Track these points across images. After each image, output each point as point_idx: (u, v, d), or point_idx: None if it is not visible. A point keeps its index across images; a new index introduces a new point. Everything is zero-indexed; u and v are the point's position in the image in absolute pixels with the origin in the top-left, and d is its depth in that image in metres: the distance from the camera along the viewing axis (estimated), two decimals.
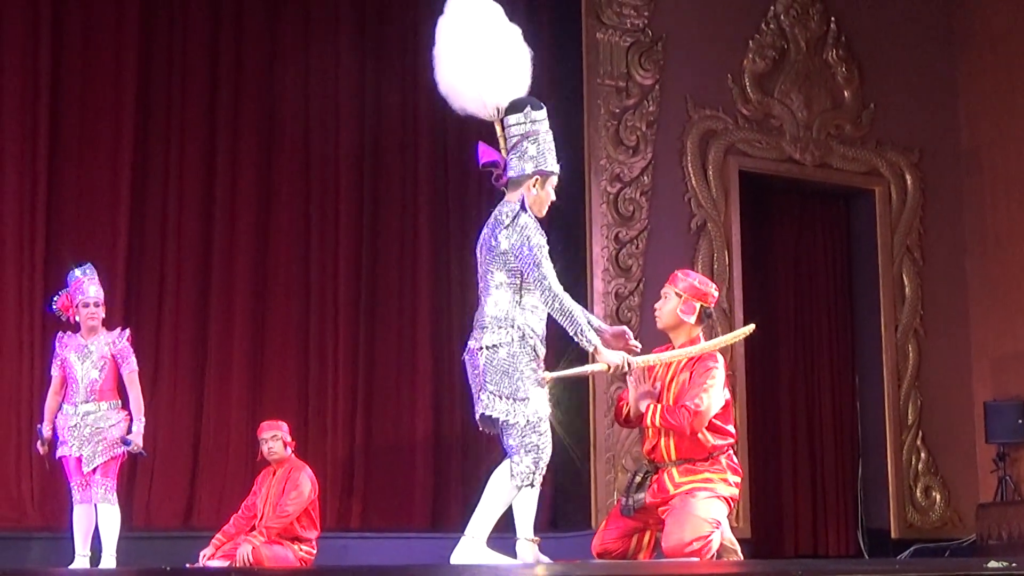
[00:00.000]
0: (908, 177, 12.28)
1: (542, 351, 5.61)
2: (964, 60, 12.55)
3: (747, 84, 11.64)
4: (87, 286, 7.91)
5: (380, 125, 10.91)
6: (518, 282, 5.58)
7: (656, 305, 6.26)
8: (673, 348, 6.20)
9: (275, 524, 8.33)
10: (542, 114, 5.73)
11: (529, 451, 5.48)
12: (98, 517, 7.74)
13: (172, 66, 10.35)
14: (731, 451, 6.16)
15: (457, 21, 5.82)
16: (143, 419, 7.87)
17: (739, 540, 6.32)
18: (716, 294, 6.30)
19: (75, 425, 7.76)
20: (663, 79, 11.23)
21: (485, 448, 9.86)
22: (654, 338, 6.52)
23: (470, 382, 5.68)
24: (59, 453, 7.83)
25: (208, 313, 10.27)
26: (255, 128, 10.55)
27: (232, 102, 10.50)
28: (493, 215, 5.71)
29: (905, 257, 12.17)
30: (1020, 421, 11.66)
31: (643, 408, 6.04)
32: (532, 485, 5.50)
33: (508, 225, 5.58)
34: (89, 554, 7.77)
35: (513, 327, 5.53)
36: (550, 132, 5.74)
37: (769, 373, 11.82)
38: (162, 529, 9.63)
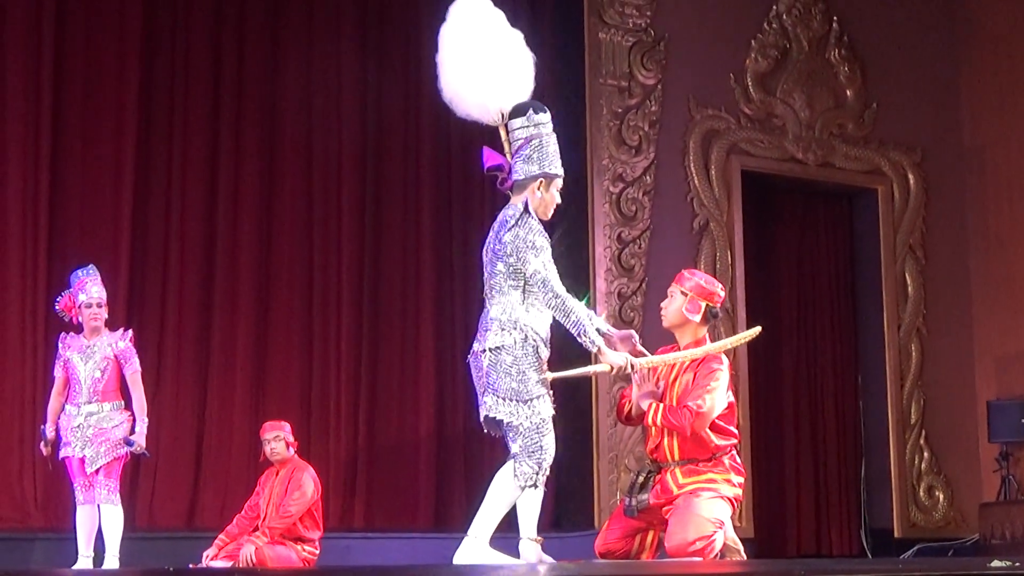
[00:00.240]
0: (911, 176, 12.28)
1: (545, 353, 5.62)
2: (966, 59, 12.55)
3: (749, 84, 11.64)
4: (90, 287, 7.92)
5: (382, 126, 10.91)
6: (522, 284, 5.59)
7: (662, 304, 6.26)
8: (678, 348, 6.20)
9: (278, 524, 8.33)
10: (546, 117, 5.74)
11: (532, 453, 5.49)
12: (101, 518, 7.75)
13: (175, 66, 10.35)
14: (734, 451, 6.15)
15: (459, 27, 5.83)
16: (146, 420, 7.88)
17: (742, 540, 6.31)
18: (722, 294, 6.30)
19: (78, 426, 7.77)
20: (665, 79, 11.23)
21: (488, 448, 9.86)
22: (657, 338, 6.52)
23: (474, 384, 5.69)
24: (62, 454, 7.84)
25: (211, 313, 10.27)
26: (258, 128, 10.55)
27: (235, 102, 10.49)
28: (498, 218, 5.73)
29: (908, 256, 12.17)
30: (1023, 420, 11.65)
31: (645, 407, 6.03)
32: (535, 486, 5.51)
33: (512, 227, 5.59)
34: (92, 555, 7.77)
35: (516, 329, 5.54)
36: (554, 135, 5.75)
37: (772, 372, 11.82)
38: (165, 530, 9.63)
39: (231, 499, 9.58)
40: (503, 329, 5.55)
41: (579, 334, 5.56)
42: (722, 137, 11.45)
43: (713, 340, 6.34)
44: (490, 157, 5.75)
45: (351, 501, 10.44)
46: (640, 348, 5.83)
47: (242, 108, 10.52)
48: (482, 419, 5.63)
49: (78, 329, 7.97)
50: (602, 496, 10.51)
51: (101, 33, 10.12)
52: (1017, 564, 4.84)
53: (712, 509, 5.90)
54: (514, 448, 5.53)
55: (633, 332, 5.89)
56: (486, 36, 5.79)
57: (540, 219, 5.66)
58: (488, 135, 5.92)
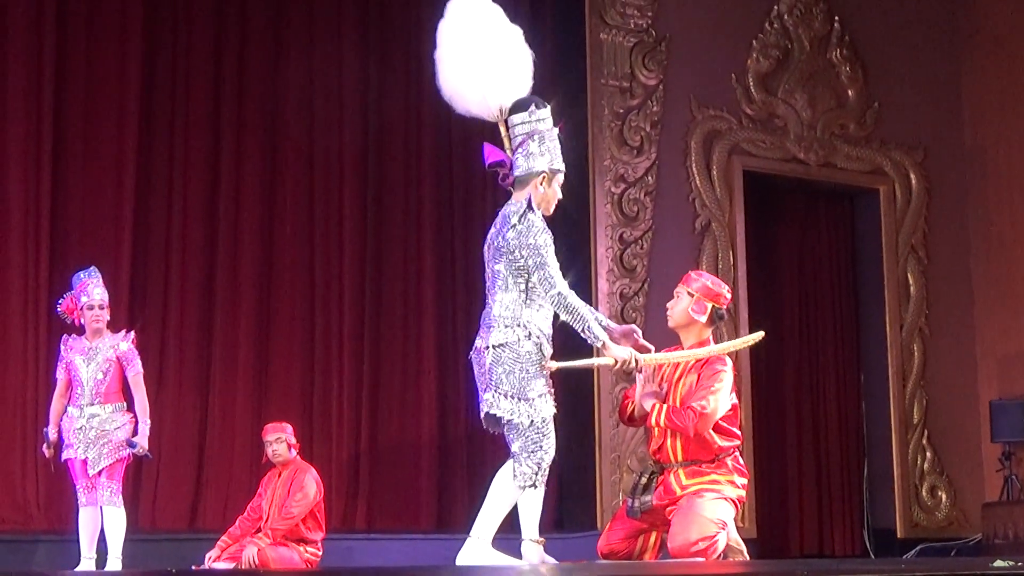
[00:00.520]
0: (913, 176, 12.27)
1: (548, 350, 5.61)
2: (968, 58, 12.54)
3: (751, 84, 11.64)
4: (91, 288, 7.91)
5: (383, 125, 10.91)
6: (524, 281, 5.58)
7: (668, 304, 6.25)
8: (683, 349, 6.20)
9: (280, 526, 8.33)
10: (546, 112, 5.73)
11: (532, 452, 5.49)
12: (104, 519, 7.74)
13: (176, 67, 10.35)
14: (737, 453, 6.15)
15: (458, 24, 5.83)
16: (148, 421, 7.88)
17: (745, 540, 6.31)
18: (728, 295, 6.29)
19: (80, 428, 7.76)
20: (667, 79, 11.23)
21: (491, 449, 9.85)
22: (659, 338, 6.51)
23: (476, 381, 5.68)
24: (64, 456, 7.84)
25: (213, 315, 10.27)
26: (259, 128, 10.55)
27: (236, 102, 10.50)
28: (500, 214, 5.72)
29: (910, 256, 12.16)
30: None
31: (648, 408, 6.03)
32: (535, 486, 5.50)
33: (515, 224, 5.58)
34: (95, 556, 7.77)
35: (519, 326, 5.54)
36: (555, 130, 5.75)
37: (774, 373, 11.81)
38: (167, 531, 9.63)
39: (233, 501, 9.58)
40: (506, 326, 5.54)
41: (583, 329, 5.56)
42: (724, 137, 11.45)
43: (717, 342, 6.33)
44: (491, 153, 5.74)
45: (353, 502, 10.44)
46: (643, 342, 5.82)
47: (243, 108, 10.52)
48: (482, 416, 5.62)
49: (80, 331, 7.97)
50: (604, 497, 10.50)
51: (102, 33, 10.12)
52: (1020, 564, 4.84)
53: (715, 510, 5.90)
54: (514, 447, 5.52)
55: (635, 327, 5.89)
56: (485, 32, 5.78)
57: (542, 215, 5.66)
58: (488, 132, 5.92)
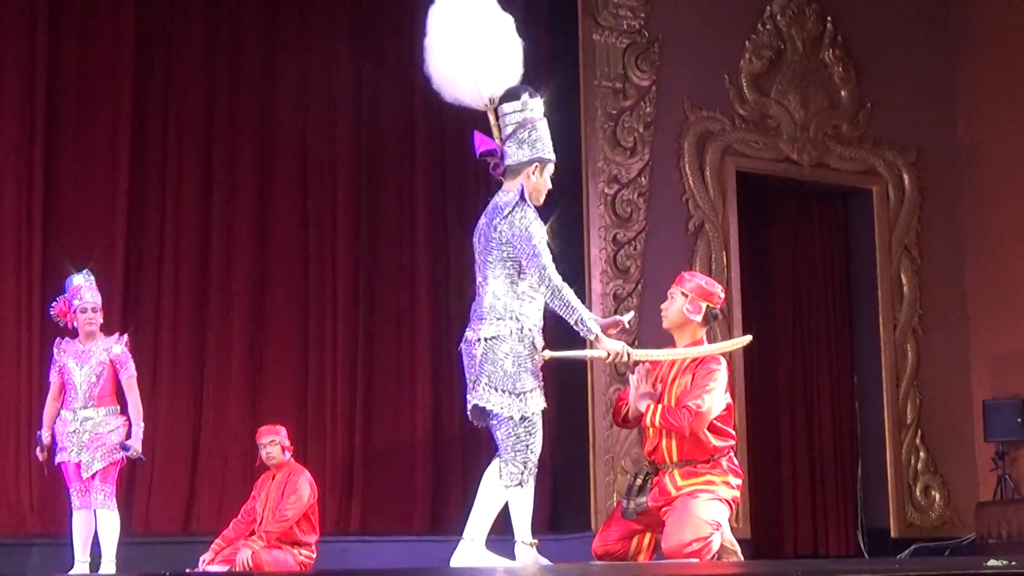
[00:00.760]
0: (906, 176, 12.29)
1: (540, 342, 5.58)
2: (961, 58, 12.56)
3: (744, 85, 11.65)
4: (85, 291, 7.90)
5: (377, 122, 10.90)
6: (516, 272, 5.54)
7: (662, 306, 6.25)
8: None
9: (274, 528, 8.33)
10: (538, 102, 5.71)
11: (519, 451, 5.46)
12: (97, 523, 7.73)
13: (169, 70, 10.34)
14: (732, 453, 6.15)
15: (449, 10, 5.75)
16: (142, 424, 7.86)
17: (739, 541, 6.31)
18: (722, 295, 6.30)
19: (74, 431, 7.75)
20: (660, 80, 11.24)
21: (485, 449, 9.76)
22: (654, 340, 6.54)
23: (465, 372, 5.63)
24: (58, 459, 7.81)
25: (206, 317, 10.26)
26: (252, 129, 10.53)
27: (230, 104, 10.49)
28: (491, 204, 5.67)
29: (903, 256, 12.18)
30: (1019, 419, 11.66)
31: (643, 408, 6.03)
32: (521, 485, 5.48)
33: (507, 214, 5.54)
34: (89, 560, 7.75)
35: (512, 319, 5.51)
36: (545, 120, 5.73)
37: (768, 373, 11.82)
38: (161, 534, 9.62)
39: (227, 503, 9.56)
40: (498, 318, 5.50)
41: (576, 322, 5.53)
42: (717, 138, 11.45)
43: (711, 343, 6.34)
44: (482, 142, 5.69)
45: (347, 504, 10.43)
46: (626, 324, 5.79)
47: (237, 110, 10.52)
48: (470, 408, 5.58)
49: (73, 334, 7.95)
50: (598, 498, 10.50)
51: (95, 34, 10.11)
52: (1013, 563, 4.84)
53: (709, 511, 5.89)
54: (500, 443, 5.49)
55: (618, 317, 5.87)
56: (476, 19, 5.71)
57: (533, 204, 5.62)
58: (482, 125, 5.88)
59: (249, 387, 10.29)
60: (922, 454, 12.01)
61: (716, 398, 5.99)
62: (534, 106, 5.68)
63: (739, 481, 6.11)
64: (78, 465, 7.71)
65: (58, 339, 8.01)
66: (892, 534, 11.77)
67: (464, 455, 10.66)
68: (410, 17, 10.44)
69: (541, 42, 10.88)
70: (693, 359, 6.07)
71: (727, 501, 6.01)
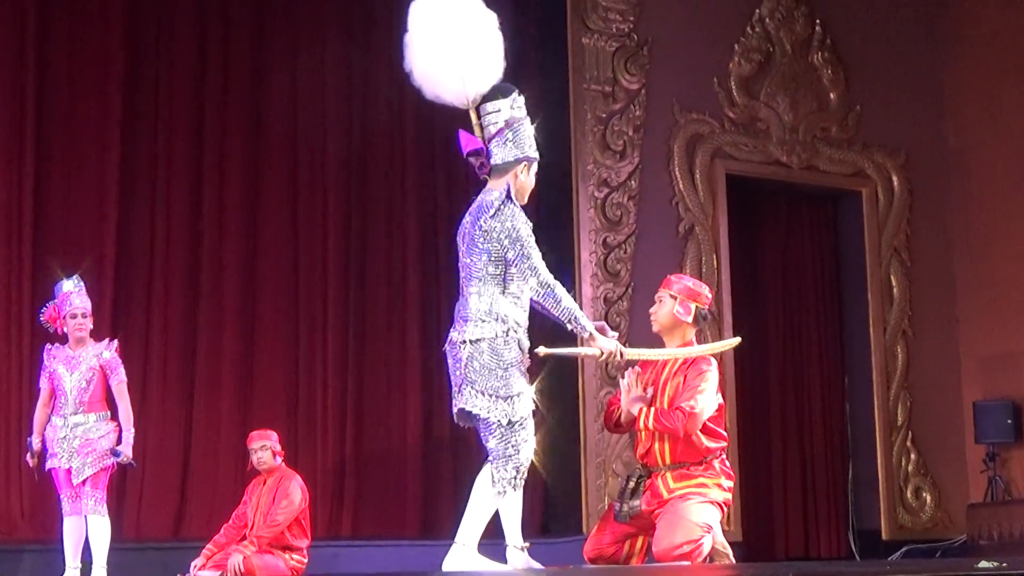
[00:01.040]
0: (895, 178, 12.31)
1: (526, 344, 5.52)
2: (949, 61, 12.58)
3: (733, 87, 11.66)
4: (74, 297, 7.88)
5: (367, 127, 10.90)
6: (503, 273, 5.48)
7: (651, 310, 6.25)
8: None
9: (266, 533, 8.31)
10: (522, 101, 5.66)
11: (510, 456, 5.42)
12: (88, 529, 7.72)
13: (158, 77, 10.33)
14: (724, 455, 6.16)
15: (431, 6, 5.65)
16: (132, 430, 7.85)
17: (730, 543, 6.31)
18: (710, 296, 6.31)
19: (64, 437, 7.74)
20: (649, 83, 11.25)
21: (476, 453, 9.78)
22: (643, 343, 6.52)
23: (450, 374, 5.57)
24: (48, 465, 7.80)
25: (196, 322, 10.25)
26: (242, 135, 10.53)
27: (219, 110, 10.49)
28: (477, 203, 5.60)
29: (893, 258, 12.20)
30: (1009, 421, 11.68)
31: (635, 412, 6.03)
32: (515, 490, 5.45)
33: (495, 213, 5.48)
34: (80, 566, 7.74)
35: (499, 321, 5.45)
36: (528, 118, 5.69)
37: (758, 376, 11.83)
38: (152, 540, 9.60)
39: (218, 509, 9.54)
40: (485, 320, 5.44)
41: (569, 321, 5.51)
42: (706, 141, 11.46)
43: (701, 344, 6.35)
44: (469, 141, 5.60)
45: (339, 509, 10.42)
46: (612, 333, 5.78)
47: (227, 115, 10.51)
48: (455, 411, 5.54)
49: (63, 340, 7.94)
50: (590, 501, 10.50)
51: (84, 39, 10.11)
52: (1004, 565, 4.85)
53: (700, 513, 5.90)
54: (490, 448, 5.46)
55: (604, 323, 5.86)
56: (458, 15, 5.61)
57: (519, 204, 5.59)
58: (470, 121, 5.81)
59: (240, 392, 10.28)
60: (913, 456, 12.02)
61: (708, 399, 6.00)
62: (519, 104, 5.64)
63: (731, 483, 6.12)
64: (69, 471, 7.71)
65: (48, 345, 8.00)
66: (883, 536, 11.78)
67: (455, 459, 10.66)
68: (401, 18, 10.49)
69: (530, 46, 10.90)
70: (684, 361, 6.09)
71: (718, 504, 6.02)
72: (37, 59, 9.89)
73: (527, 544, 5.56)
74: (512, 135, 5.60)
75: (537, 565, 5.59)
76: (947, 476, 12.09)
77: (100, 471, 7.74)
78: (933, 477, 12.06)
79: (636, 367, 6.15)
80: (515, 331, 5.48)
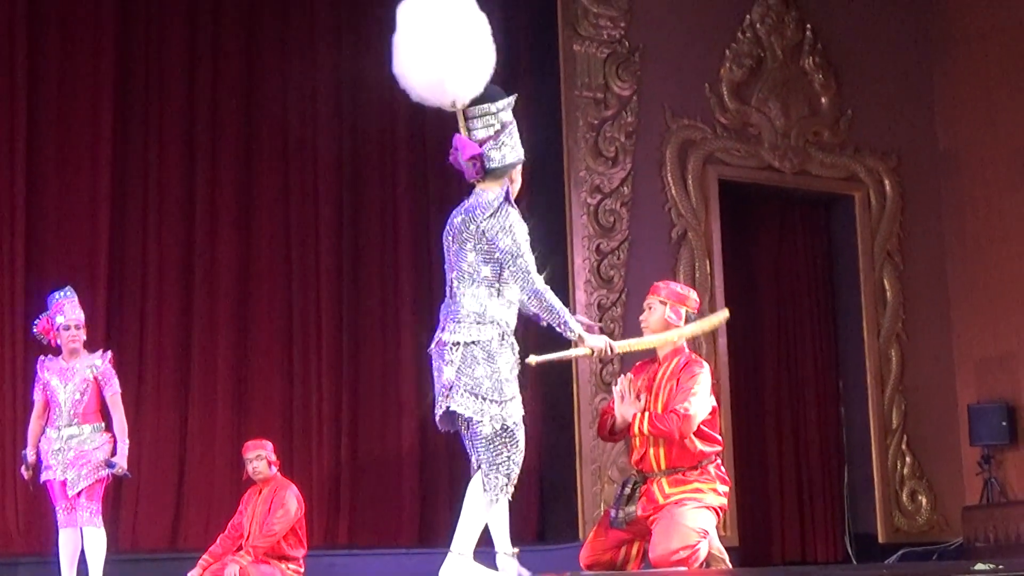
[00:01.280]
0: (887, 182, 12.31)
1: (516, 348, 5.50)
2: (940, 64, 12.59)
3: (725, 93, 11.67)
4: (68, 308, 7.88)
5: (358, 131, 10.89)
6: (497, 275, 5.45)
7: (641, 317, 6.28)
8: (658, 358, 6.23)
9: (262, 543, 8.31)
10: (511, 103, 5.64)
11: (502, 464, 5.40)
12: (84, 541, 7.71)
13: (149, 84, 10.33)
14: (719, 459, 6.17)
15: (419, 7, 5.53)
16: (127, 441, 7.84)
17: (727, 548, 6.32)
18: (696, 299, 6.35)
19: (59, 449, 7.73)
20: (641, 90, 11.25)
21: (471, 463, 9.83)
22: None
23: (434, 375, 5.51)
24: (43, 477, 7.79)
25: (190, 333, 10.25)
26: (234, 142, 10.52)
27: (210, 117, 10.48)
28: (469, 203, 5.55)
29: (886, 262, 12.20)
30: (1004, 423, 11.68)
31: (630, 417, 6.04)
32: (508, 496, 5.43)
33: (492, 214, 5.44)
34: None
35: (491, 323, 5.41)
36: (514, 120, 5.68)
37: (753, 380, 11.83)
38: (148, 551, 9.59)
39: (214, 519, 9.54)
40: (478, 322, 5.40)
41: (559, 324, 5.49)
42: (698, 147, 11.47)
43: (691, 348, 6.38)
44: (468, 147, 5.52)
45: (335, 518, 10.41)
46: (597, 327, 5.81)
47: (218, 123, 10.50)
48: (440, 413, 5.47)
49: (56, 351, 7.93)
50: (586, 508, 10.49)
51: (75, 45, 10.10)
52: (1000, 567, 4.85)
53: (696, 518, 5.90)
54: (480, 454, 5.43)
55: (592, 323, 5.87)
56: (447, 17, 5.50)
57: None
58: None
59: (234, 402, 10.27)
60: (908, 459, 12.02)
61: (701, 401, 6.03)
62: (512, 106, 5.63)
63: (726, 488, 6.13)
64: (64, 483, 7.69)
65: (41, 357, 7.98)
66: (879, 539, 11.77)
67: (451, 467, 10.65)
68: (391, 18, 10.48)
69: (521, 53, 10.92)
70: (676, 365, 6.11)
71: (714, 509, 6.03)
72: (28, 65, 9.86)
73: (516, 550, 5.55)
74: (508, 139, 5.59)
75: (527, 572, 5.58)
76: (942, 479, 12.09)
77: (95, 483, 7.73)
78: (929, 480, 12.06)
79: (628, 374, 6.17)
80: (508, 335, 5.46)
